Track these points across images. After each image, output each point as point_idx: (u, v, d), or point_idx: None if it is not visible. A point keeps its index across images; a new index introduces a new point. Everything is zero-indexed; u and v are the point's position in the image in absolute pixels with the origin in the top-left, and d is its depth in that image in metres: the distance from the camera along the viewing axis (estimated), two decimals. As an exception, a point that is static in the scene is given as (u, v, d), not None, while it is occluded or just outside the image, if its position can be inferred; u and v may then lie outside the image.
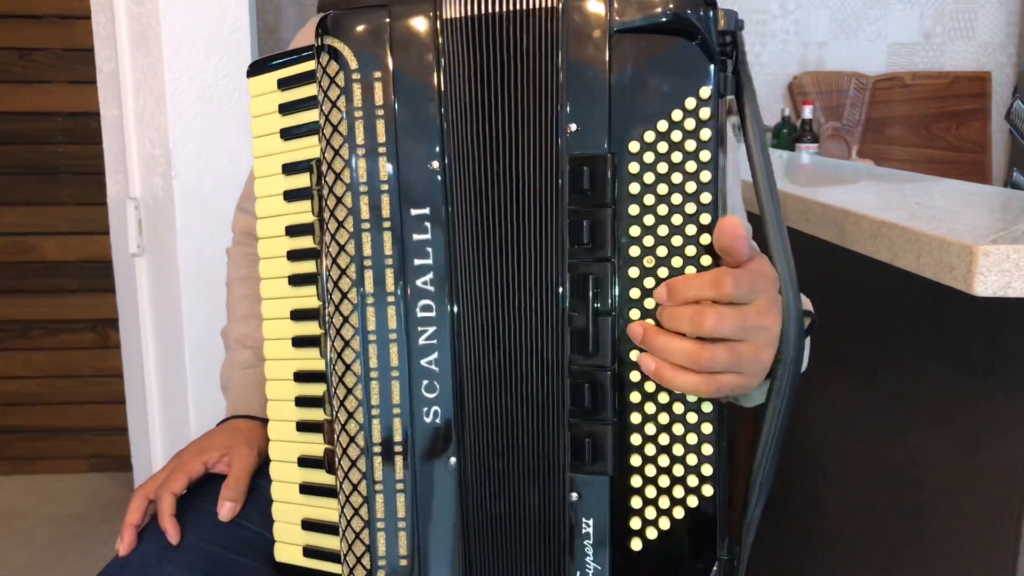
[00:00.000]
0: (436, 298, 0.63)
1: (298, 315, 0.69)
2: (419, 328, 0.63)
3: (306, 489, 0.70)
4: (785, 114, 2.74)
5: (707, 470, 0.59)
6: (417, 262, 0.62)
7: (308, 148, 0.67)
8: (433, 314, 0.63)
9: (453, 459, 0.64)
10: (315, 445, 0.69)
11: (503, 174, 0.61)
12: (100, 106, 1.64)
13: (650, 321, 0.58)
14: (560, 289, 0.60)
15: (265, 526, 0.73)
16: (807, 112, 2.65)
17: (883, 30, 2.84)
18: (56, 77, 2.25)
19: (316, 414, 0.69)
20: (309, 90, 0.66)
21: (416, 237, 0.62)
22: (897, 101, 2.79)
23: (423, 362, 0.63)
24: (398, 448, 0.64)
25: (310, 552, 0.70)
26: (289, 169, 0.68)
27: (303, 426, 0.70)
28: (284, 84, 0.68)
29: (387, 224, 0.62)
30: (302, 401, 0.70)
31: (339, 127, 0.63)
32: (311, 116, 0.66)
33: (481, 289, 0.62)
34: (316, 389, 0.68)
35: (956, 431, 0.96)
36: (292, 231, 0.69)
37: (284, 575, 0.72)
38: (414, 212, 0.62)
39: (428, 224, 0.62)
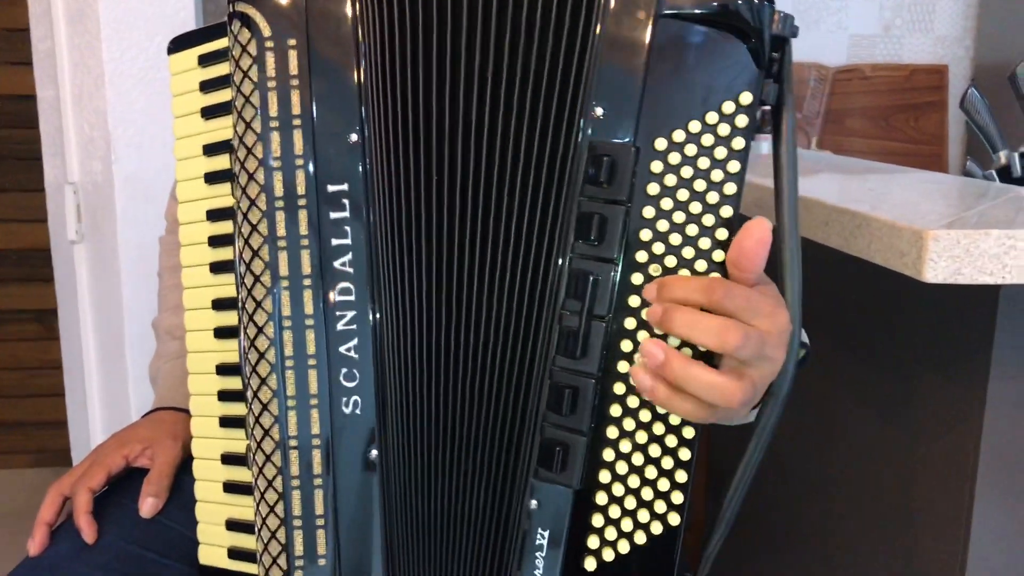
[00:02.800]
0: (355, 281, 0.59)
1: (220, 304, 0.66)
2: (337, 313, 0.59)
3: (230, 488, 0.67)
4: (746, 104, 2.73)
5: (677, 498, 0.56)
6: (335, 242, 0.59)
7: (230, 128, 0.64)
8: (352, 298, 0.59)
9: (374, 452, 0.60)
10: (238, 441, 0.66)
11: (452, 153, 0.57)
12: (36, 87, 1.58)
13: (674, 342, 0.53)
14: (554, 284, 0.56)
15: (189, 526, 0.70)
16: (768, 103, 2.63)
17: (844, 21, 2.84)
18: (-2, 58, 2.18)
19: (239, 409, 0.65)
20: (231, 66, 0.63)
21: (333, 216, 0.59)
22: (857, 93, 2.80)
23: (342, 349, 0.60)
24: (315, 441, 0.61)
25: (235, 554, 0.67)
26: (210, 150, 0.65)
27: (226, 421, 0.67)
28: (205, 60, 0.65)
29: (302, 202, 0.59)
30: (225, 395, 0.66)
31: (251, 98, 0.59)
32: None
33: (410, 273, 0.58)
34: (239, 383, 0.65)
35: (906, 421, 0.94)
36: (213, 215, 0.66)
37: (208, 578, 0.68)
38: (331, 188, 0.59)
39: (346, 202, 0.59)
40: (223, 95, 0.64)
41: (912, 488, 0.94)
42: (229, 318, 0.65)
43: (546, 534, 0.58)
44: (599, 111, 0.54)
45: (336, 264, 0.59)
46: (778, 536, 1.25)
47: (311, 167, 0.59)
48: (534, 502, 0.58)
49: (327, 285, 0.59)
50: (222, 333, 0.66)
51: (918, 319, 0.92)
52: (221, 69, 0.63)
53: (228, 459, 0.67)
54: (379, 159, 0.58)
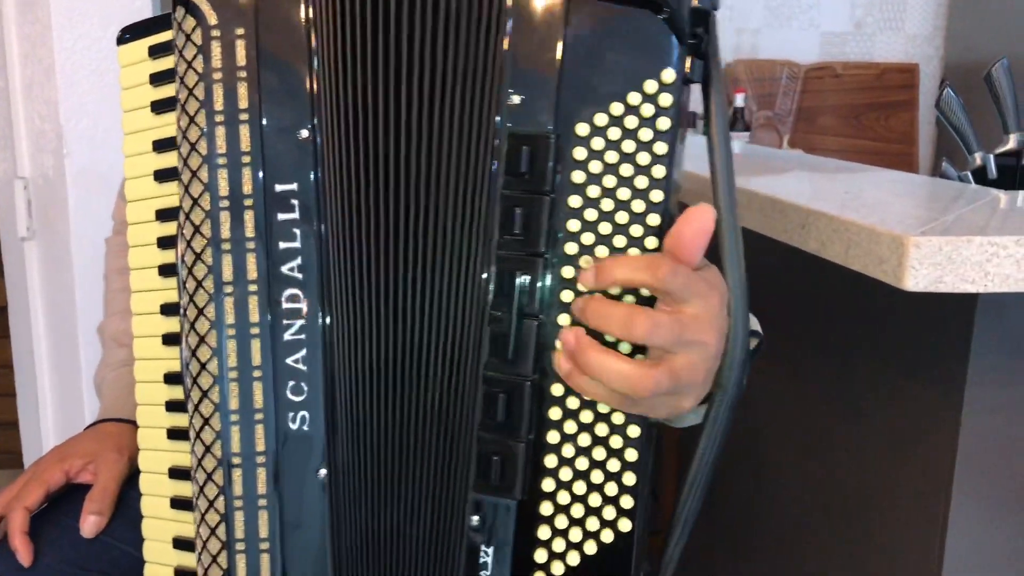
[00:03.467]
0: (305, 287, 0.56)
1: (169, 309, 0.62)
2: (284, 321, 0.56)
3: (178, 503, 0.63)
4: (717, 102, 2.72)
5: (627, 502, 0.53)
6: (283, 245, 0.56)
7: (180, 123, 0.61)
8: (301, 306, 0.56)
9: (323, 471, 0.57)
10: (187, 455, 0.62)
11: (396, 148, 0.54)
12: (-16, 76, 1.53)
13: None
14: (482, 284, 0.53)
15: (135, 543, 0.66)
16: (739, 100, 2.63)
17: (816, 19, 2.84)
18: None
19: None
20: None
21: (281, 217, 0.56)
22: (828, 91, 2.80)
23: (289, 361, 0.57)
24: (260, 459, 0.58)
25: (182, 574, 0.64)
26: (160, 146, 0.62)
27: (174, 433, 0.63)
28: (155, 51, 0.61)
29: (248, 202, 0.56)
30: (173, 406, 0.63)
31: (195, 91, 0.56)
32: None
33: (360, 279, 0.55)
34: (189, 392, 0.62)
35: (882, 427, 0.93)
36: (163, 215, 0.62)
37: (154, 599, 0.65)
38: (279, 188, 0.56)
39: (295, 203, 0.56)
40: (174, 88, 0.60)
41: (888, 494, 0.92)
42: (179, 324, 0.62)
43: (490, 551, 0.55)
44: (516, 99, 0.52)
45: (284, 269, 0.56)
46: (754, 541, 1.24)
47: (259, 165, 0.56)
48: (476, 518, 0.55)
49: (274, 292, 0.56)
50: (171, 340, 0.62)
51: (895, 324, 0.91)
52: (172, 61, 0.60)
53: (176, 473, 0.63)
54: (331, 157, 0.55)
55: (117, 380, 0.80)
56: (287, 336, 0.56)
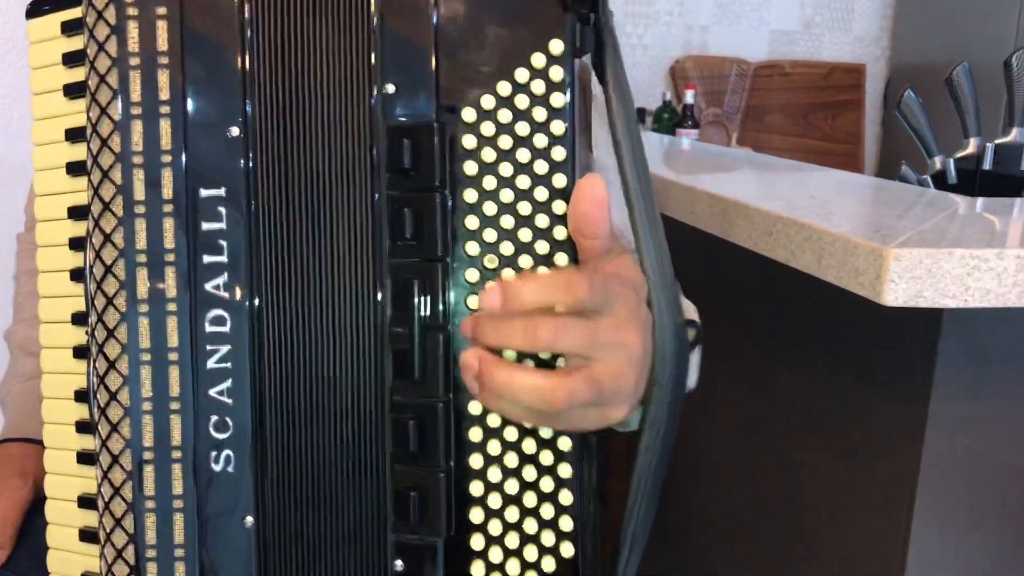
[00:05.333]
0: (231, 308, 0.50)
1: (82, 319, 0.56)
2: (208, 347, 0.50)
3: (88, 536, 0.57)
4: (667, 98, 2.71)
5: (566, 524, 0.48)
6: (207, 259, 0.50)
7: (94, 111, 0.55)
8: (227, 329, 0.50)
9: (250, 519, 0.51)
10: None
11: (310, 149, 0.49)
12: None
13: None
14: (377, 298, 0.48)
15: (38, 576, 0.60)
16: (688, 97, 2.62)
17: (765, 17, 2.84)
18: None
19: (100, 443, 0.56)
20: None
21: (207, 226, 0.50)
22: (777, 89, 2.80)
23: (212, 392, 0.51)
24: (177, 503, 0.52)
25: (89, 612, 0.57)
26: (74, 135, 0.56)
27: (85, 458, 0.57)
28: (69, 28, 0.55)
29: (168, 208, 0.50)
30: (84, 427, 0.56)
31: (108, 78, 0.50)
32: None
33: (288, 299, 0.49)
34: (100, 412, 0.55)
35: (848, 438, 0.91)
36: (76, 213, 0.56)
37: (60, 641, 0.58)
38: (204, 193, 0.50)
39: (223, 209, 0.50)
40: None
41: (850, 508, 0.91)
42: (90, 338, 0.56)
43: None
44: (390, 88, 0.47)
45: (208, 287, 0.50)
46: (711, 555, 1.22)
47: (181, 166, 0.50)
48: (399, 563, 0.50)
49: (197, 312, 0.50)
50: (83, 353, 0.56)
51: (860, 335, 0.89)
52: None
53: (86, 502, 0.57)
54: (262, 158, 0.49)
55: (23, 394, 0.73)
56: (211, 364, 0.50)
